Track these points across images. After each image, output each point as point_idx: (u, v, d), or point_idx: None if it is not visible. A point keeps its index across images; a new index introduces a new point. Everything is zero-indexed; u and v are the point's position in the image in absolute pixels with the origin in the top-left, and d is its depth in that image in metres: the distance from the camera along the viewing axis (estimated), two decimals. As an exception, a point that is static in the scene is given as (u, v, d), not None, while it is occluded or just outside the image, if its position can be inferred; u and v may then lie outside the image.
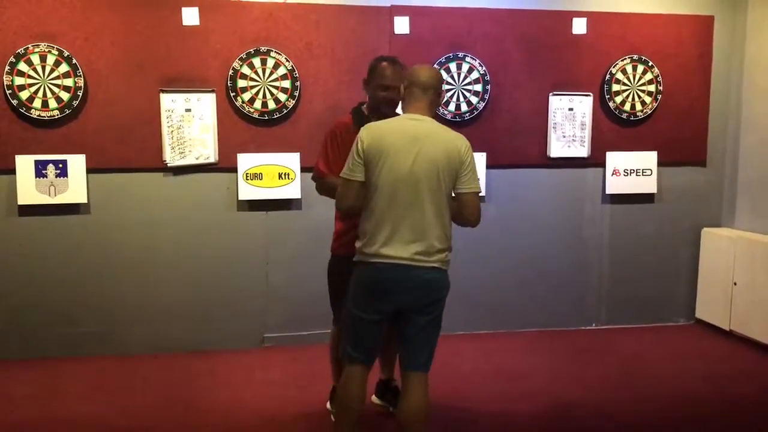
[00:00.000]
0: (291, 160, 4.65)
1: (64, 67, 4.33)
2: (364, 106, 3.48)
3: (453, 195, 2.90)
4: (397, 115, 3.49)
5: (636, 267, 5.29)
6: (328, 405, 3.67)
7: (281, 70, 4.60)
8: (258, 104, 4.60)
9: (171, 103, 4.50)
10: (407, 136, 2.81)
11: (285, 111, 4.63)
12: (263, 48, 4.57)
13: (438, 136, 2.84)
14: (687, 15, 5.13)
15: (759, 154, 5.06)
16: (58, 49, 4.31)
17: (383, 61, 3.41)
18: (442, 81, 3.03)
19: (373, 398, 3.75)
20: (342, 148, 3.30)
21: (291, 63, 4.60)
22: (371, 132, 2.85)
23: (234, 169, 4.62)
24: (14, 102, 4.30)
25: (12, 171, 4.36)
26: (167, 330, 4.66)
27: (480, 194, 2.94)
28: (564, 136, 5.04)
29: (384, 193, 2.78)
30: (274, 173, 4.66)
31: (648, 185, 5.21)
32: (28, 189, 4.38)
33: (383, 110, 3.38)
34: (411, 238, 2.77)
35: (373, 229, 2.81)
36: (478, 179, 2.91)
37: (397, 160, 2.77)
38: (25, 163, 4.35)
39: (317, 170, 3.43)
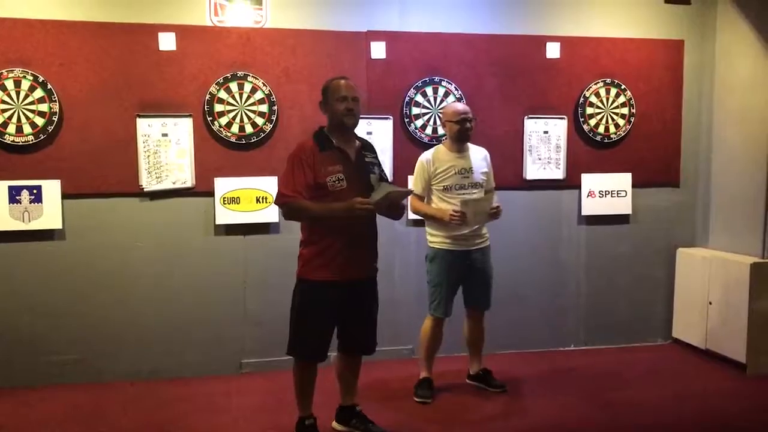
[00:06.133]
0: (268, 184, 4.65)
1: (39, 93, 4.31)
2: (325, 128, 3.50)
3: None
4: (352, 128, 3.50)
5: (613, 287, 5.34)
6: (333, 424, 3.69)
7: (258, 95, 4.61)
8: (235, 128, 4.60)
9: (147, 128, 4.49)
10: None
11: (262, 135, 4.64)
12: (240, 73, 4.58)
13: None
14: (658, 39, 5.24)
15: (730, 174, 5.15)
16: (33, 75, 4.29)
17: (334, 79, 3.49)
18: None
19: (334, 424, 3.74)
20: (308, 172, 3.33)
21: (268, 87, 4.62)
22: None
23: (211, 194, 4.61)
24: (-12, 127, 4.27)
25: (-15, 197, 4.31)
26: (144, 356, 4.60)
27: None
28: (539, 159, 5.10)
29: None
30: (251, 197, 4.65)
31: (623, 206, 5.28)
32: (2, 215, 4.32)
33: (346, 122, 3.43)
34: None
35: None
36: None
37: None
38: (-2, 189, 4.31)
39: (282, 195, 3.39)
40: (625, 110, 5.19)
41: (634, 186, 5.27)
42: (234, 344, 4.74)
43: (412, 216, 4.55)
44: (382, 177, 3.57)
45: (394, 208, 3.54)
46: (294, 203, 3.34)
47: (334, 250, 3.37)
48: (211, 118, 4.56)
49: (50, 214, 4.39)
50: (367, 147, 3.59)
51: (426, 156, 4.21)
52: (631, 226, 5.33)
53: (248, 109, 4.60)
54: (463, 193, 4.11)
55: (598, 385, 4.51)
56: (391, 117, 4.83)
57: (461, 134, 4.12)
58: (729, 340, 4.81)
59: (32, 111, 4.32)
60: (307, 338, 3.45)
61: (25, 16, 4.30)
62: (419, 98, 4.87)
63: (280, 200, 3.42)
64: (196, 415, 4.01)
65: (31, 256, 4.42)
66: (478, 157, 4.26)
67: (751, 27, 4.92)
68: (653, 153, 5.29)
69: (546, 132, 5.10)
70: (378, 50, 4.78)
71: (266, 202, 4.66)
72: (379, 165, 3.61)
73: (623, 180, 5.25)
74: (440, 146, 4.25)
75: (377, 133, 4.74)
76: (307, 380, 3.54)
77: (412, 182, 4.21)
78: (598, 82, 5.14)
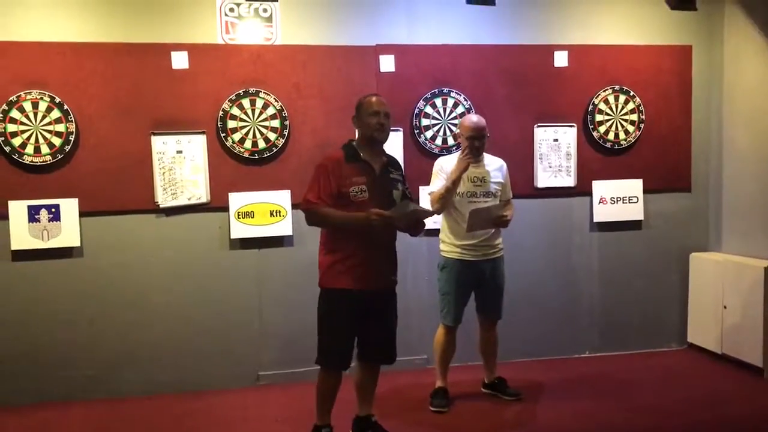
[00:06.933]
0: (282, 198, 4.71)
1: (56, 113, 4.39)
2: (354, 141, 3.60)
3: None
4: (382, 143, 3.57)
5: (627, 294, 5.34)
6: None
7: (270, 110, 4.67)
8: (248, 144, 4.66)
9: (162, 145, 4.56)
10: None
11: (275, 150, 4.70)
12: (252, 89, 4.65)
13: None
14: (666, 45, 5.26)
15: (741, 178, 5.15)
16: (50, 96, 4.38)
17: (366, 96, 3.62)
18: None
19: None
20: (333, 182, 3.42)
21: (280, 103, 4.68)
22: None
23: (226, 209, 4.67)
24: (7, 149, 4.35)
25: (5, 216, 4.39)
26: (161, 371, 4.66)
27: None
28: (550, 167, 5.13)
29: None
30: (265, 211, 4.71)
31: (635, 212, 5.28)
32: (22, 234, 4.41)
33: (377, 136, 3.53)
34: None
35: None
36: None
37: None
38: (18, 209, 4.39)
39: (307, 201, 3.47)
40: (634, 116, 5.21)
41: (645, 192, 5.28)
42: (250, 357, 4.79)
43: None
44: (406, 194, 3.63)
45: (415, 225, 3.59)
46: (317, 210, 3.44)
47: (353, 259, 3.45)
48: (224, 135, 4.62)
49: (68, 232, 4.46)
50: (393, 164, 3.69)
51: (444, 158, 4.33)
52: (644, 232, 5.34)
53: (260, 125, 4.67)
54: (475, 201, 4.15)
55: (613, 392, 4.51)
56: (401, 129, 4.87)
57: (470, 151, 4.16)
58: (745, 344, 4.80)
59: (50, 131, 4.40)
60: (329, 346, 3.51)
61: (41, 39, 4.39)
62: (429, 110, 4.91)
63: (304, 206, 3.51)
64: (214, 428, 4.05)
65: (50, 274, 4.49)
66: (493, 167, 4.29)
67: (759, 31, 4.93)
68: (664, 158, 5.30)
69: (556, 140, 5.13)
70: (387, 63, 4.84)
71: (280, 216, 4.72)
72: (404, 182, 3.68)
73: (634, 186, 5.26)
74: (458, 153, 4.31)
75: (388, 144, 4.74)
76: (329, 389, 3.58)
77: (431, 182, 4.26)
78: (607, 90, 5.16)
